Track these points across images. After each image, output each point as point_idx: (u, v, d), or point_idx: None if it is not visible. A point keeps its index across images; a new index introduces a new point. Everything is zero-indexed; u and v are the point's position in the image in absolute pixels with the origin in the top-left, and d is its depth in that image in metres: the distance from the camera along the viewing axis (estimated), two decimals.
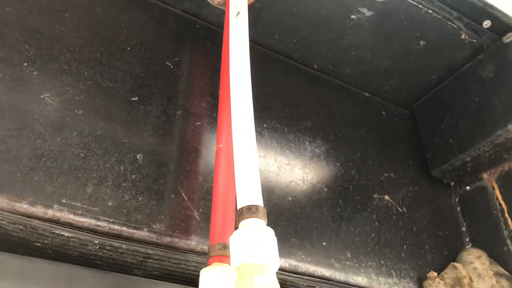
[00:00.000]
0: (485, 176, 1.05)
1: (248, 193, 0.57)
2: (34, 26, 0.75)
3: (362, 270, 0.85)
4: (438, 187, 1.10)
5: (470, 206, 1.08)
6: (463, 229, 1.06)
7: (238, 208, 0.57)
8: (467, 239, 1.05)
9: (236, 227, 0.56)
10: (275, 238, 0.55)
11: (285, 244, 0.79)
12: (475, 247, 1.01)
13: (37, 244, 0.66)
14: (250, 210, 0.55)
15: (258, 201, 0.57)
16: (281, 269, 0.77)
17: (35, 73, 0.71)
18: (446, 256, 0.98)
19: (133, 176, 0.71)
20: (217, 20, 0.98)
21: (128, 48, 0.83)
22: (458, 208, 1.09)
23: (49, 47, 0.75)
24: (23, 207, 0.60)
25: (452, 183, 1.11)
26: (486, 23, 0.99)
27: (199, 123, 0.83)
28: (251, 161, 0.60)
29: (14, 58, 0.71)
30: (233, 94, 0.67)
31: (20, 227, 0.62)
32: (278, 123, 0.93)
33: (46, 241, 0.65)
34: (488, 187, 1.04)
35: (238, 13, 0.80)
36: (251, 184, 0.58)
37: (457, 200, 1.10)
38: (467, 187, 1.09)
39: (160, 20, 0.91)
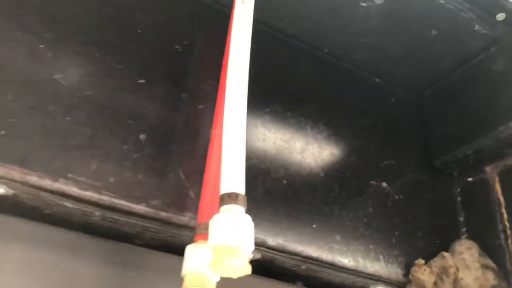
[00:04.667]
0: (488, 169, 1.06)
1: (231, 181, 0.62)
2: (51, 9, 0.80)
3: (349, 254, 0.89)
4: (440, 177, 1.11)
5: (470, 197, 1.09)
6: (461, 219, 1.08)
7: (221, 194, 0.62)
8: (464, 230, 1.07)
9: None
10: (251, 224, 0.60)
11: (275, 224, 0.84)
12: (470, 238, 1.03)
13: (47, 211, 0.73)
14: (230, 197, 0.60)
15: (240, 189, 0.61)
16: (269, 247, 0.82)
17: (49, 55, 0.77)
18: (438, 245, 1.01)
19: (135, 155, 0.77)
20: (229, 2, 1.00)
21: (139, 31, 0.88)
22: (459, 199, 1.11)
23: (64, 29, 0.80)
24: (33, 179, 0.67)
25: (455, 174, 1.12)
26: (500, 16, 0.97)
27: (202, 106, 0.87)
28: (238, 150, 0.65)
29: (32, 40, 0.77)
30: (228, 83, 0.71)
31: (31, 196, 0.70)
32: (281, 108, 0.97)
33: (54, 210, 0.73)
34: (490, 180, 1.05)
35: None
36: (234, 172, 0.62)
37: (458, 190, 1.12)
38: (470, 179, 1.10)
39: (172, 2, 0.95)
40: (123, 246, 0.77)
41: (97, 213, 0.73)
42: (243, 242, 0.57)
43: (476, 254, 0.96)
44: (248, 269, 0.57)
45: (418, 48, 1.08)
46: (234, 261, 0.55)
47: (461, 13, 0.98)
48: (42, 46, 0.77)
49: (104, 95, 0.78)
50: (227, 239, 0.57)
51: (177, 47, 0.90)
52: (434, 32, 1.03)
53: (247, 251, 0.58)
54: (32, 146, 0.69)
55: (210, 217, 0.65)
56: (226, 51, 0.84)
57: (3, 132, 0.68)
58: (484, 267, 0.94)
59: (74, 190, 0.69)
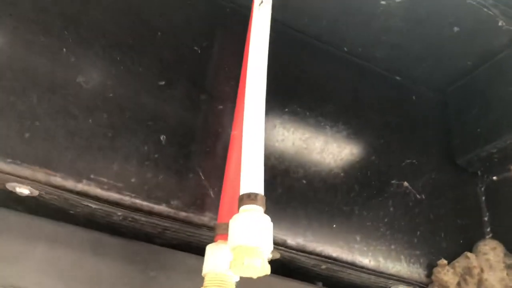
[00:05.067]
0: None
1: (250, 181, 0.62)
2: (74, 14, 0.82)
3: (370, 254, 0.89)
4: (463, 176, 1.09)
5: (495, 196, 1.07)
6: (485, 219, 1.06)
7: (240, 194, 0.62)
8: (488, 229, 1.04)
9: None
10: (270, 224, 0.60)
11: (295, 224, 0.84)
12: (495, 238, 1.01)
13: (70, 211, 0.75)
14: (249, 197, 0.61)
15: (259, 189, 0.62)
16: (289, 247, 0.82)
17: (72, 59, 0.79)
18: (462, 245, 0.99)
19: (156, 156, 0.78)
20: (248, 3, 1.00)
21: (159, 33, 0.89)
22: (483, 198, 1.09)
23: (86, 33, 0.82)
24: (57, 180, 0.69)
25: (480, 172, 1.10)
26: None
27: (221, 106, 0.88)
28: (257, 151, 0.65)
29: (55, 45, 0.78)
30: (247, 88, 0.71)
31: (55, 197, 0.71)
32: (300, 107, 0.97)
33: (77, 210, 0.75)
34: None
35: (262, 1, 0.82)
36: (253, 173, 0.63)
37: (483, 189, 1.09)
38: (494, 177, 1.08)
39: (191, 4, 0.96)
40: (144, 245, 0.78)
41: (119, 213, 0.74)
42: (262, 242, 0.57)
43: (501, 255, 0.94)
44: (267, 269, 0.57)
45: (439, 45, 1.06)
46: (253, 262, 0.56)
47: (484, 9, 0.95)
48: (65, 50, 0.79)
49: (125, 97, 0.80)
50: (246, 240, 0.57)
51: (196, 48, 0.91)
52: (456, 28, 1.01)
53: (266, 251, 0.58)
54: (56, 148, 0.71)
55: (230, 217, 0.66)
56: (245, 54, 0.85)
57: (28, 134, 0.70)
58: (510, 267, 0.91)
59: (96, 190, 0.71)
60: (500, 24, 0.99)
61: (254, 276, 0.59)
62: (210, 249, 0.67)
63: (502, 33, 1.01)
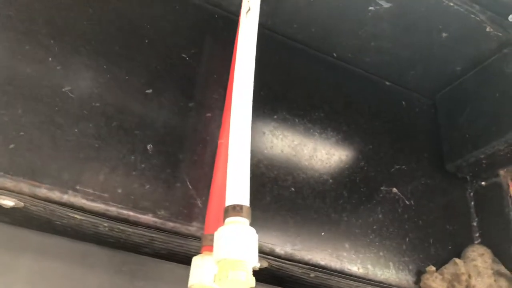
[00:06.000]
0: (501, 172, 1.04)
1: (235, 193, 0.62)
2: (60, 22, 0.82)
3: (359, 261, 0.89)
4: (453, 181, 1.09)
5: (484, 201, 1.07)
6: (474, 224, 1.06)
7: (225, 205, 0.62)
8: (477, 235, 1.05)
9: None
10: (255, 236, 0.60)
11: (283, 233, 0.84)
12: (483, 243, 1.02)
13: (57, 222, 0.75)
14: (235, 209, 0.60)
15: (244, 201, 0.62)
16: (277, 256, 0.82)
17: (58, 68, 0.78)
18: (451, 251, 0.99)
19: (143, 166, 0.77)
20: (237, 10, 1.00)
21: (147, 41, 0.88)
22: (472, 203, 1.09)
23: (72, 42, 0.81)
24: (42, 192, 0.68)
25: (468, 178, 1.11)
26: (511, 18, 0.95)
27: (209, 114, 0.88)
28: (243, 162, 0.65)
29: (40, 54, 0.78)
30: (234, 96, 0.71)
31: (41, 208, 0.71)
32: (289, 114, 0.97)
33: (64, 221, 0.74)
34: (503, 184, 1.03)
35: (249, 9, 0.82)
36: (239, 184, 0.63)
37: (472, 194, 1.10)
38: (483, 182, 1.08)
39: (180, 11, 0.95)
40: (131, 255, 0.78)
41: (105, 224, 0.74)
42: (246, 255, 0.57)
43: (489, 261, 0.94)
44: (252, 282, 0.57)
45: (428, 51, 1.07)
46: (238, 275, 0.56)
47: (472, 15, 0.96)
48: (50, 59, 0.78)
49: (112, 106, 0.79)
50: (231, 253, 0.57)
51: (184, 55, 0.91)
52: (444, 34, 1.02)
53: (251, 264, 0.58)
54: (41, 159, 0.70)
55: (216, 228, 0.65)
56: (232, 61, 0.85)
57: (12, 145, 0.69)
58: (497, 274, 0.92)
59: (82, 201, 0.70)
60: (487, 30, 0.99)
61: None
62: (195, 261, 0.67)
63: (490, 39, 1.01)
